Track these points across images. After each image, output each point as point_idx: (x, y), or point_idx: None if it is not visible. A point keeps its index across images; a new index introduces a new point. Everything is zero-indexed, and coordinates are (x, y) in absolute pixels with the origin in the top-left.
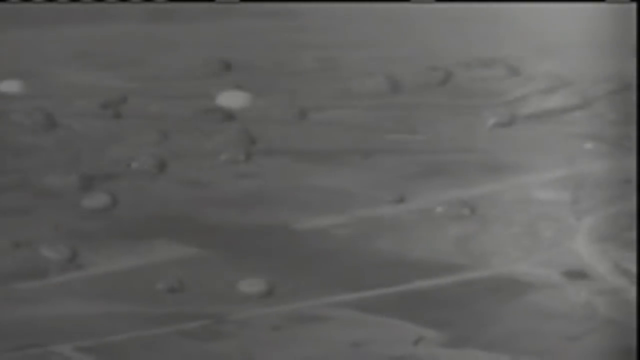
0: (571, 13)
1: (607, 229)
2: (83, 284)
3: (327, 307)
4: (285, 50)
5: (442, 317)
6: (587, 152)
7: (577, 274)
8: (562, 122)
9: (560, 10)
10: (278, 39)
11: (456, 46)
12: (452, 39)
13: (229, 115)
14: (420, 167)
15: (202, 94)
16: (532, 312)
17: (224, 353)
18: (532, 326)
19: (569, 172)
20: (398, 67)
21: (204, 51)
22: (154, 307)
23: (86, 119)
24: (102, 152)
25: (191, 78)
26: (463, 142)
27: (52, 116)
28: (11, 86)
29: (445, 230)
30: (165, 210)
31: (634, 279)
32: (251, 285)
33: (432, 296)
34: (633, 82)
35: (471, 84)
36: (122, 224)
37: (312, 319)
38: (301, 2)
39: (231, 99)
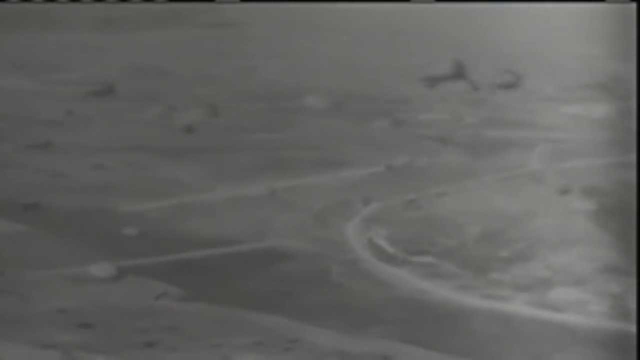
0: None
1: (381, 213)
2: None
3: (102, 271)
4: (212, 59)
5: (197, 280)
6: (426, 150)
7: (332, 247)
8: (420, 125)
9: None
10: (210, 48)
11: (369, 56)
12: (371, 49)
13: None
14: (263, 161)
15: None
16: (277, 276)
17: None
18: (269, 286)
19: (391, 167)
20: (306, 75)
21: (133, 58)
22: None
23: None
24: None
25: (101, 83)
26: (314, 141)
27: None
28: None
29: (249, 213)
30: (18, 196)
31: (380, 253)
32: (53, 253)
33: (199, 263)
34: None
35: (358, 91)
36: None
37: (83, 280)
38: (282, 6)
39: None
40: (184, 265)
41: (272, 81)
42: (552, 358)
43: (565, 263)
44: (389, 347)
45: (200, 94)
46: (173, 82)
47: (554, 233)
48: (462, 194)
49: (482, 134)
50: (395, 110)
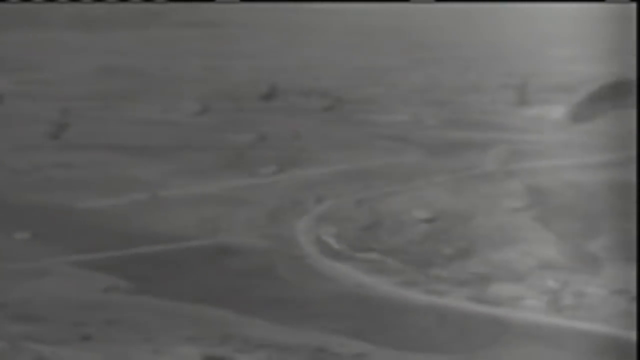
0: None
1: (332, 211)
2: None
3: (58, 265)
4: (182, 58)
5: (145, 273)
6: (384, 151)
7: (280, 243)
8: (383, 125)
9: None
10: (184, 48)
11: (334, 58)
12: (345, 50)
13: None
14: (223, 160)
15: (70, 96)
16: (224, 271)
17: None
18: (215, 281)
19: (348, 167)
20: (268, 75)
21: (105, 58)
22: None
23: None
24: None
25: (71, 83)
26: (277, 141)
27: None
28: None
29: (203, 210)
30: None
31: (327, 250)
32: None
33: (150, 258)
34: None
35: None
36: None
37: (38, 274)
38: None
39: None
40: (135, 260)
41: (243, 81)
42: (483, 350)
43: (504, 260)
44: (324, 340)
45: (168, 92)
46: (143, 81)
47: (497, 232)
48: (412, 193)
49: (442, 135)
50: (357, 111)
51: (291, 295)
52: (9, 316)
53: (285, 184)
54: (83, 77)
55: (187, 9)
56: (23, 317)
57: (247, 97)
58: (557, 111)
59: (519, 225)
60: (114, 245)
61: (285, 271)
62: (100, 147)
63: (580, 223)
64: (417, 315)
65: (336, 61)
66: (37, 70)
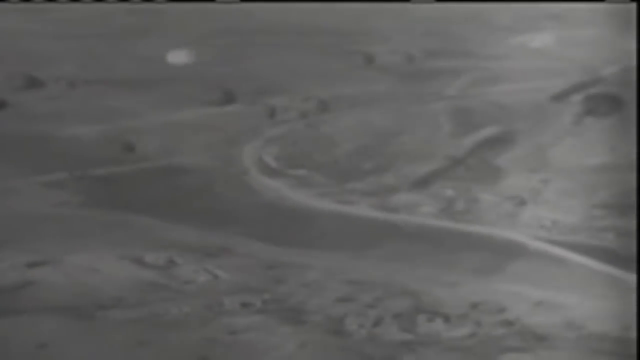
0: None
1: (282, 134)
2: None
3: (22, 184)
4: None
5: (97, 190)
6: (360, 80)
7: (226, 163)
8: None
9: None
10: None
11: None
12: None
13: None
14: (201, 92)
15: (85, 34)
16: (168, 187)
17: None
18: (158, 196)
19: (319, 94)
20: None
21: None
22: None
23: None
24: None
25: (89, 21)
26: (260, 73)
27: None
28: None
29: (167, 135)
30: None
31: (265, 168)
32: None
33: (105, 178)
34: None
35: None
36: None
37: (3, 192)
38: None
39: None
40: (92, 179)
41: (251, 17)
42: (372, 248)
43: (414, 173)
44: (230, 242)
45: (174, 30)
46: (157, 19)
47: (417, 149)
48: (359, 116)
49: (423, 64)
50: (348, 43)
51: (219, 206)
52: None
53: (251, 112)
54: (102, 15)
55: None
56: None
57: (249, 32)
58: (540, 37)
59: (438, 142)
60: (79, 166)
61: (222, 186)
62: (92, 81)
63: (495, 138)
64: (322, 221)
65: None
66: (60, 10)
